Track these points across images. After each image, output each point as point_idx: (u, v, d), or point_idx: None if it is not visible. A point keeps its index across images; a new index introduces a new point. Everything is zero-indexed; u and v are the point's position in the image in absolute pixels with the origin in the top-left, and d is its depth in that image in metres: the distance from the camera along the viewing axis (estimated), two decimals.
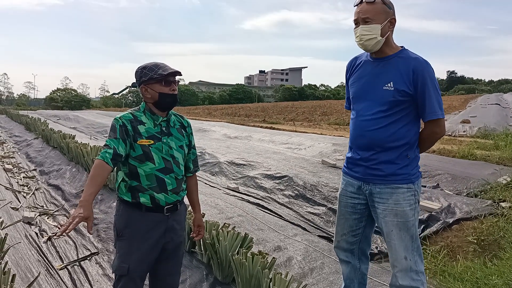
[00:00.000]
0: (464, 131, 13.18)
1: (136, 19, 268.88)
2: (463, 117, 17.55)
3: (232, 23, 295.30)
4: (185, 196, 2.38)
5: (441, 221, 4.27)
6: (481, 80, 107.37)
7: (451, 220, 4.24)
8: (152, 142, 2.14)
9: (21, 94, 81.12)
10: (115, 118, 2.15)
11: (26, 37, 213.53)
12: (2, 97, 74.32)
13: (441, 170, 6.35)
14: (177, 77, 2.23)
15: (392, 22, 2.21)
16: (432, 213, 4.44)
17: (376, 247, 4.08)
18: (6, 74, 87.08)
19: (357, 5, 2.21)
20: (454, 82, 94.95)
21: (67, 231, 1.78)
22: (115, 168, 2.14)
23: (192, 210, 2.50)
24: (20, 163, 8.69)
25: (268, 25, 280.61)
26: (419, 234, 4.12)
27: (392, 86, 2.18)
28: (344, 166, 2.46)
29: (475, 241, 3.85)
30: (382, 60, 2.26)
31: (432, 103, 2.15)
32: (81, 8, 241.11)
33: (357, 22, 2.20)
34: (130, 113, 2.19)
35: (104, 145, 2.10)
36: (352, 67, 2.44)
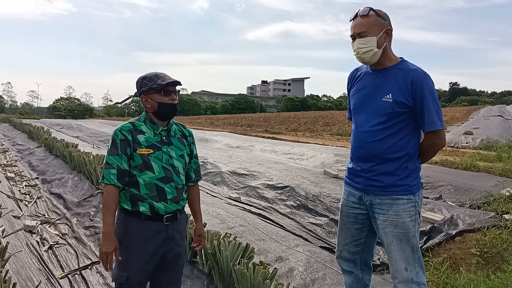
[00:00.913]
0: (467, 143, 13.15)
1: (140, 29, 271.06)
2: (465, 129, 17.49)
3: (235, 33, 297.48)
4: (187, 206, 2.38)
5: (444, 233, 4.24)
6: (484, 91, 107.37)
7: (454, 232, 4.21)
8: (152, 151, 2.15)
9: (24, 103, 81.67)
10: (114, 132, 2.15)
11: (30, 47, 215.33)
12: (6, 105, 74.76)
13: (443, 182, 6.32)
14: (178, 87, 2.24)
15: (388, 32, 2.22)
16: (435, 224, 4.41)
17: (379, 259, 4.06)
18: (9, 83, 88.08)
19: (352, 19, 2.24)
20: (457, 93, 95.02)
21: (109, 270, 2.11)
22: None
23: (193, 220, 2.50)
24: (23, 171, 8.71)
25: (270, 36, 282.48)
26: (422, 246, 4.09)
27: (391, 97, 2.19)
28: (346, 176, 2.47)
29: (478, 253, 3.82)
30: (381, 71, 2.27)
31: (431, 114, 2.16)
32: (84, 18, 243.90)
33: (354, 37, 2.23)
34: (130, 123, 2.20)
35: (106, 164, 2.11)
36: (353, 79, 2.46)
